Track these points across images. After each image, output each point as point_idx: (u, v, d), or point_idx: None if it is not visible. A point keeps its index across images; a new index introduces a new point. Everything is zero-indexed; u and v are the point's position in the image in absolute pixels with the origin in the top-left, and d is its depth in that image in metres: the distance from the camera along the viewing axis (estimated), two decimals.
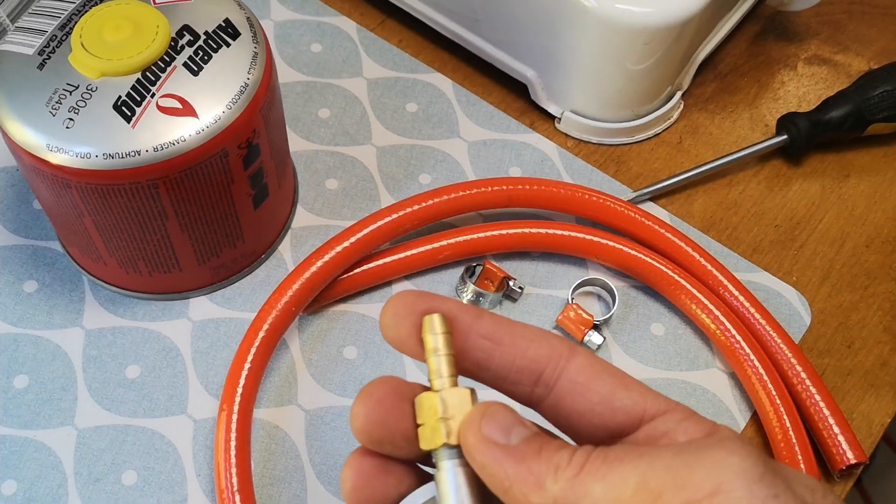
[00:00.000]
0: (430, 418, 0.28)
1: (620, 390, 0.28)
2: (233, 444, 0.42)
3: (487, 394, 0.28)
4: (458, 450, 0.27)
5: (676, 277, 0.47)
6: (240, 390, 0.43)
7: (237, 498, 0.41)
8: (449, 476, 0.28)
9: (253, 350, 0.44)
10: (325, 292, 0.47)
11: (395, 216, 0.48)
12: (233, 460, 0.41)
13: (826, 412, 0.44)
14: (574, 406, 0.28)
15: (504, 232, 0.49)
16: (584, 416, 0.28)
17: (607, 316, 0.48)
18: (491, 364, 0.29)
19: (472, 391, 0.28)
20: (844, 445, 0.43)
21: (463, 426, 0.27)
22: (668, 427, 0.27)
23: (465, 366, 0.29)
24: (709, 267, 0.48)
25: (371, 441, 0.28)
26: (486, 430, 0.27)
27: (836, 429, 0.44)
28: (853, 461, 0.43)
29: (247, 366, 0.44)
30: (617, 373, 0.29)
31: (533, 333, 0.29)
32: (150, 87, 0.39)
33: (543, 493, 0.25)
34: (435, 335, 0.28)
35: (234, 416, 0.42)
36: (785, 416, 0.44)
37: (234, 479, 0.41)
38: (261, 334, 0.44)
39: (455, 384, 0.28)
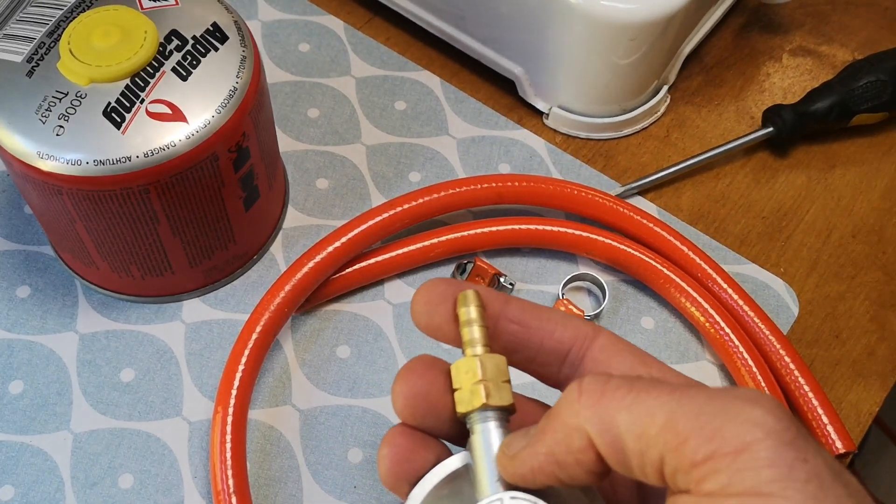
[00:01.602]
0: (467, 382, 0.28)
1: (639, 367, 0.29)
2: (228, 445, 0.42)
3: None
4: (493, 412, 0.28)
5: (665, 271, 0.48)
6: (234, 391, 0.43)
7: (234, 499, 0.41)
8: (483, 437, 0.28)
9: (247, 351, 0.44)
10: (317, 292, 0.48)
11: (385, 215, 0.48)
12: (228, 462, 0.41)
13: (815, 402, 0.45)
14: None
15: (494, 229, 0.49)
16: None
17: (598, 310, 0.48)
18: (520, 347, 0.29)
19: (504, 358, 0.29)
20: (833, 435, 0.44)
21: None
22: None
23: (496, 348, 0.30)
24: (697, 260, 0.49)
25: (415, 416, 0.29)
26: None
27: (824, 419, 0.44)
28: (842, 451, 0.44)
29: (241, 367, 0.44)
30: (637, 352, 0.29)
31: (559, 317, 0.30)
32: (140, 93, 0.39)
33: (580, 426, 0.25)
34: (468, 307, 0.29)
35: (229, 418, 0.43)
36: None
37: (231, 481, 0.41)
38: (254, 335, 0.44)
39: (489, 353, 0.29)
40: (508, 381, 0.29)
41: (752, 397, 0.24)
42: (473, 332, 0.29)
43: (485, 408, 0.28)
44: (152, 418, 0.45)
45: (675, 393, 0.24)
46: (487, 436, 0.28)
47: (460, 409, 0.29)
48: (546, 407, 0.31)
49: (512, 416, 0.29)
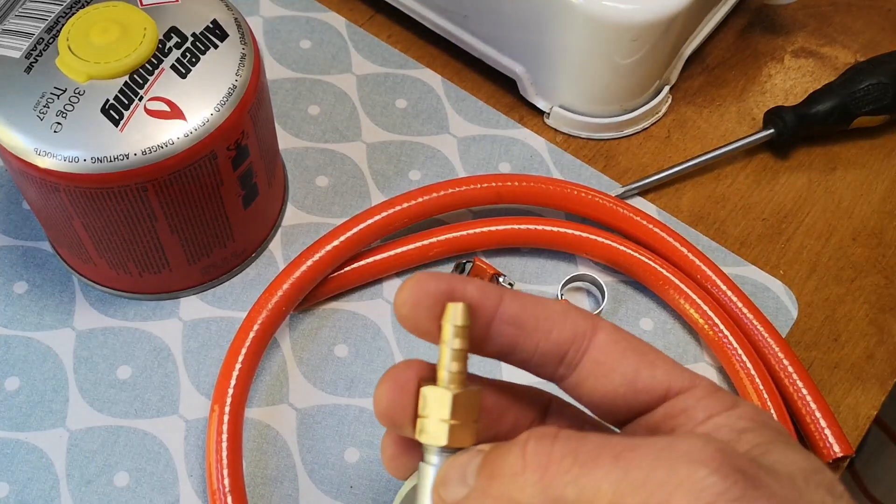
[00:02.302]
0: (434, 415, 0.27)
1: (644, 369, 0.28)
2: (224, 444, 0.42)
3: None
4: (438, 448, 0.27)
5: (665, 272, 0.48)
6: (231, 390, 0.43)
7: (229, 498, 0.41)
8: (433, 471, 0.28)
9: (244, 349, 0.44)
10: (315, 290, 0.47)
11: (384, 214, 0.48)
12: (224, 460, 0.41)
13: (813, 406, 0.44)
14: (596, 387, 0.28)
15: (494, 228, 0.49)
16: (606, 396, 0.28)
17: (597, 311, 0.48)
18: (515, 349, 0.28)
19: (481, 391, 0.28)
20: (831, 439, 0.44)
21: (434, 496, 0.27)
22: (688, 404, 0.27)
23: (490, 351, 0.28)
24: (696, 262, 0.48)
25: (394, 426, 0.28)
26: (447, 496, 0.27)
27: (822, 422, 0.44)
28: (840, 454, 0.43)
29: (238, 365, 0.44)
30: (641, 348, 0.28)
31: (556, 314, 0.28)
32: (138, 90, 0.39)
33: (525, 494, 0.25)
34: (454, 326, 0.27)
35: (226, 416, 0.42)
36: (772, 410, 0.44)
37: (226, 480, 0.41)
38: (252, 333, 0.44)
39: (464, 382, 0.28)
40: (477, 421, 0.28)
41: (697, 457, 0.23)
42: (451, 357, 0.27)
43: (445, 448, 0.27)
44: (149, 416, 0.45)
45: (621, 461, 0.23)
46: (431, 473, 0.28)
47: (421, 438, 0.28)
48: (512, 392, 0.30)
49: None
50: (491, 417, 0.30)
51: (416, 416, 0.28)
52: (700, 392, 0.27)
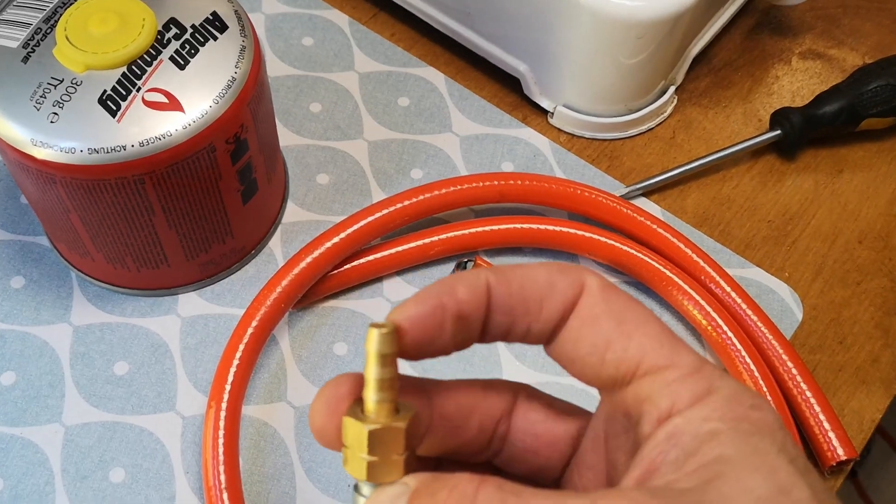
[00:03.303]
0: (356, 448, 0.25)
1: (617, 339, 0.25)
2: (221, 441, 0.41)
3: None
4: (357, 483, 0.25)
5: (668, 273, 0.47)
6: (228, 387, 0.43)
7: (225, 495, 0.40)
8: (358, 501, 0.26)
9: (242, 346, 0.43)
10: (315, 288, 0.47)
11: (385, 212, 0.47)
12: (221, 457, 0.41)
13: (817, 409, 0.44)
14: (566, 353, 0.26)
15: (495, 227, 0.49)
16: (575, 364, 0.26)
17: None
18: (510, 333, 0.27)
19: (410, 419, 0.26)
20: (835, 442, 0.43)
21: None
22: (654, 390, 0.25)
23: (487, 340, 0.27)
24: (701, 263, 0.48)
25: (328, 444, 0.26)
26: None
27: (826, 425, 0.43)
28: (843, 458, 0.43)
29: (235, 362, 0.43)
30: (622, 315, 0.25)
31: (542, 290, 0.26)
32: (136, 81, 0.39)
33: None
34: (378, 355, 0.25)
35: (223, 413, 0.42)
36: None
37: (222, 477, 0.40)
38: (250, 330, 0.44)
39: (389, 411, 0.25)
40: (402, 454, 0.25)
41: None
42: (376, 386, 0.25)
43: (367, 481, 0.25)
44: (145, 412, 0.45)
45: None
46: None
47: (346, 468, 0.25)
48: (474, 392, 0.29)
49: None
50: (452, 425, 0.28)
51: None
52: (672, 375, 0.25)
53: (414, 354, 0.26)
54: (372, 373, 0.24)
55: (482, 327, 0.26)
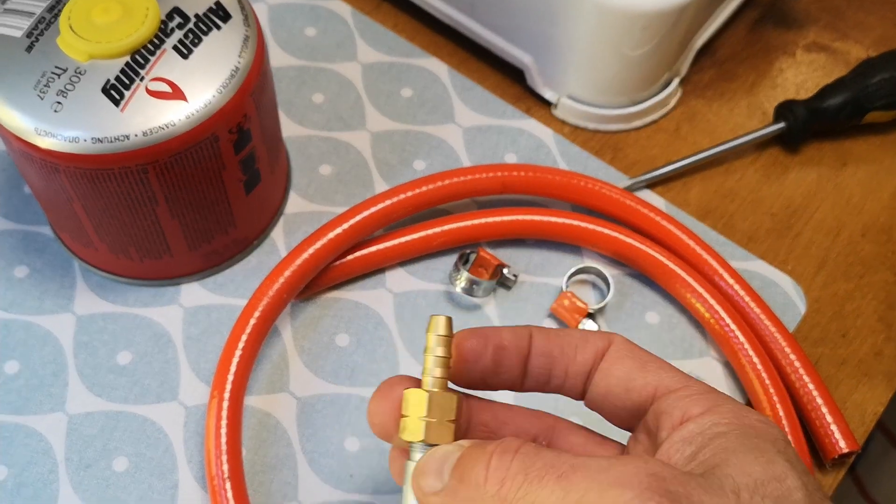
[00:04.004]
0: (413, 414, 0.30)
1: (637, 371, 0.31)
2: (223, 431, 0.41)
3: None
4: (420, 444, 0.30)
5: (672, 266, 0.47)
6: (231, 377, 0.43)
7: (228, 485, 0.40)
8: (409, 465, 0.30)
9: (244, 337, 0.44)
10: (317, 279, 0.47)
11: (388, 202, 0.47)
12: (223, 447, 0.41)
13: (819, 401, 0.44)
14: (598, 389, 0.31)
15: (498, 219, 0.49)
16: (606, 398, 0.31)
17: (602, 304, 0.48)
18: (550, 378, 0.32)
19: (459, 396, 0.31)
20: (837, 434, 0.43)
21: (412, 484, 0.30)
22: (669, 405, 0.29)
23: (529, 385, 0.33)
24: (704, 255, 0.48)
25: (387, 437, 0.32)
26: (422, 484, 0.29)
27: (828, 418, 0.43)
28: (845, 450, 0.43)
29: (238, 352, 0.43)
30: (640, 355, 0.31)
31: (577, 340, 0.32)
32: (140, 71, 0.39)
33: None
34: (437, 336, 0.31)
35: (225, 403, 0.42)
36: (778, 405, 0.43)
37: (225, 467, 0.40)
38: (252, 321, 0.44)
39: (444, 386, 0.31)
40: (454, 421, 0.31)
41: (628, 479, 0.25)
42: (434, 363, 0.31)
43: (424, 443, 0.30)
44: (148, 402, 0.45)
45: (563, 481, 0.26)
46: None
47: (403, 435, 0.31)
48: (513, 411, 0.34)
49: None
50: (488, 430, 0.33)
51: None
52: (684, 392, 0.29)
53: (459, 371, 0.32)
54: (434, 352, 0.31)
55: (523, 368, 0.32)
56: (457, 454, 0.29)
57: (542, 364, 0.32)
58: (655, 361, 0.31)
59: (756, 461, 0.27)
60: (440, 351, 0.31)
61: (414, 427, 0.30)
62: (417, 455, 0.30)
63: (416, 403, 0.30)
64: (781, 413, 0.43)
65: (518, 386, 0.33)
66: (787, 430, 0.43)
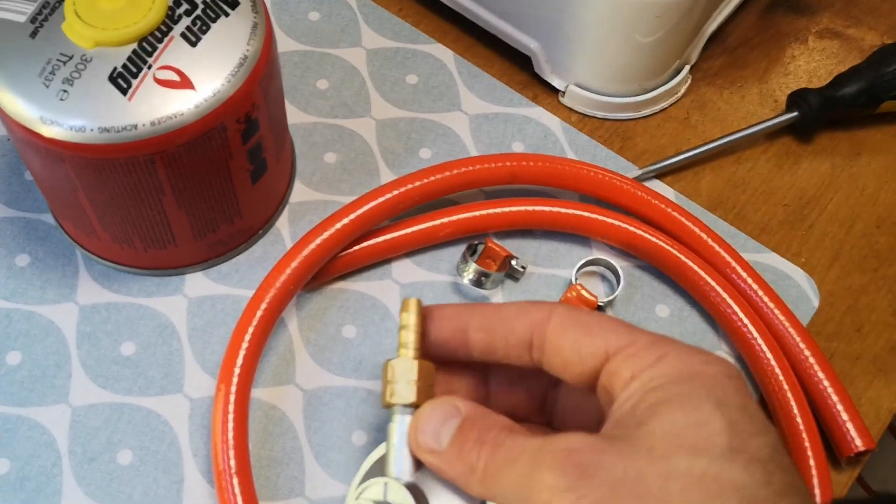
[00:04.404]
0: (402, 379, 0.35)
1: (583, 339, 0.31)
2: (231, 425, 0.41)
3: None
4: (405, 407, 0.34)
5: (682, 258, 0.47)
6: (237, 370, 0.42)
7: (235, 479, 0.40)
8: (400, 427, 0.34)
9: (251, 328, 0.43)
10: (323, 269, 0.46)
11: (395, 192, 0.47)
12: (231, 441, 0.40)
13: (834, 398, 0.43)
14: (555, 362, 0.33)
15: (506, 209, 0.48)
16: (565, 368, 0.32)
17: (612, 297, 0.47)
18: (492, 350, 0.34)
19: (431, 367, 0.35)
20: (853, 432, 0.43)
21: (409, 434, 0.34)
22: (618, 366, 0.30)
23: (474, 355, 0.35)
24: (715, 247, 0.47)
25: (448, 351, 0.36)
26: (421, 440, 0.33)
27: (844, 415, 0.43)
28: (861, 448, 0.42)
29: (244, 344, 0.42)
30: (583, 320, 0.32)
31: (514, 311, 0.34)
32: (147, 59, 0.38)
33: (472, 489, 0.31)
34: (408, 313, 0.36)
35: (232, 396, 0.41)
36: (792, 402, 0.43)
37: (232, 462, 0.40)
38: (259, 312, 0.43)
39: (417, 356, 0.35)
40: (433, 386, 0.35)
41: (547, 459, 0.28)
42: (407, 336, 0.35)
43: (411, 405, 0.34)
44: (153, 394, 0.44)
45: (518, 466, 0.29)
46: (403, 427, 0.34)
47: (390, 399, 0.35)
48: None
49: None
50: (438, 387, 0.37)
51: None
52: (631, 350, 0.30)
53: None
54: (407, 328, 0.36)
55: (466, 342, 0.35)
56: (454, 423, 0.32)
57: (481, 338, 0.34)
58: (599, 323, 0.32)
59: (681, 408, 0.27)
60: (414, 326, 0.35)
61: (404, 391, 0.34)
62: (397, 417, 0.34)
63: (404, 369, 0.35)
64: (796, 410, 0.43)
65: (467, 357, 0.35)
66: (801, 427, 0.42)
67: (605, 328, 0.31)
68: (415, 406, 0.34)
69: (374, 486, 0.34)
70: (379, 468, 0.35)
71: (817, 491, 0.41)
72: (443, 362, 0.37)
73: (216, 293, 0.47)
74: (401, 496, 0.34)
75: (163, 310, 0.46)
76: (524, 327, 0.33)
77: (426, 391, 0.35)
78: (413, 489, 0.34)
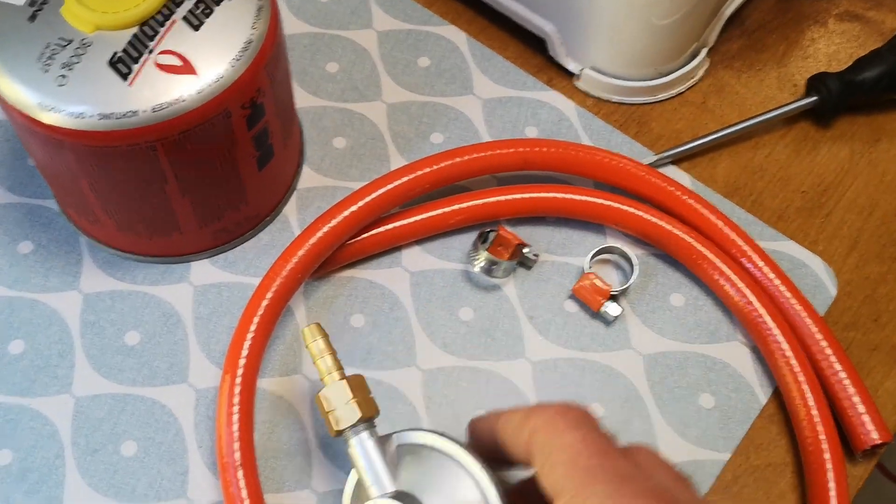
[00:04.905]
0: (340, 402, 0.35)
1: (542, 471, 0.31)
2: (236, 416, 0.40)
3: None
4: (364, 424, 0.34)
5: (698, 246, 0.46)
6: (243, 359, 0.41)
7: (240, 472, 0.39)
8: (360, 447, 0.34)
9: (257, 317, 0.42)
10: (331, 257, 0.45)
11: (405, 179, 0.46)
12: (235, 434, 0.40)
13: (851, 389, 0.42)
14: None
15: (519, 196, 0.47)
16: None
17: (626, 286, 0.46)
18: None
19: (361, 377, 0.36)
20: (869, 425, 0.42)
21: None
22: None
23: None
24: (732, 235, 0.46)
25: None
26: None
27: (860, 407, 0.42)
28: (878, 441, 0.42)
29: (251, 333, 0.42)
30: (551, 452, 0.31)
31: (518, 419, 0.33)
32: (148, 43, 0.37)
33: None
34: (314, 342, 0.36)
35: (238, 386, 0.41)
36: (808, 393, 0.42)
37: (237, 454, 0.39)
38: (265, 300, 0.42)
39: (342, 376, 0.36)
40: (370, 391, 0.36)
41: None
42: (325, 363, 0.36)
43: (361, 421, 0.34)
44: (157, 384, 0.43)
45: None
46: (364, 444, 0.34)
47: (337, 427, 0.35)
48: None
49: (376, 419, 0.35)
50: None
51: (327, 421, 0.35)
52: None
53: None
54: (321, 352, 0.36)
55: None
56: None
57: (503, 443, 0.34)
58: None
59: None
60: (325, 350, 0.36)
61: (347, 413, 0.34)
62: (354, 440, 0.34)
63: (336, 396, 0.35)
64: (812, 402, 0.42)
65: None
66: (817, 419, 0.41)
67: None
68: (363, 420, 0.34)
69: None
70: (361, 493, 0.34)
71: (832, 484, 0.40)
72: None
73: (222, 281, 0.46)
74: None
75: (168, 298, 0.46)
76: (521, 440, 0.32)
77: (367, 402, 0.35)
78: (402, 496, 0.33)
